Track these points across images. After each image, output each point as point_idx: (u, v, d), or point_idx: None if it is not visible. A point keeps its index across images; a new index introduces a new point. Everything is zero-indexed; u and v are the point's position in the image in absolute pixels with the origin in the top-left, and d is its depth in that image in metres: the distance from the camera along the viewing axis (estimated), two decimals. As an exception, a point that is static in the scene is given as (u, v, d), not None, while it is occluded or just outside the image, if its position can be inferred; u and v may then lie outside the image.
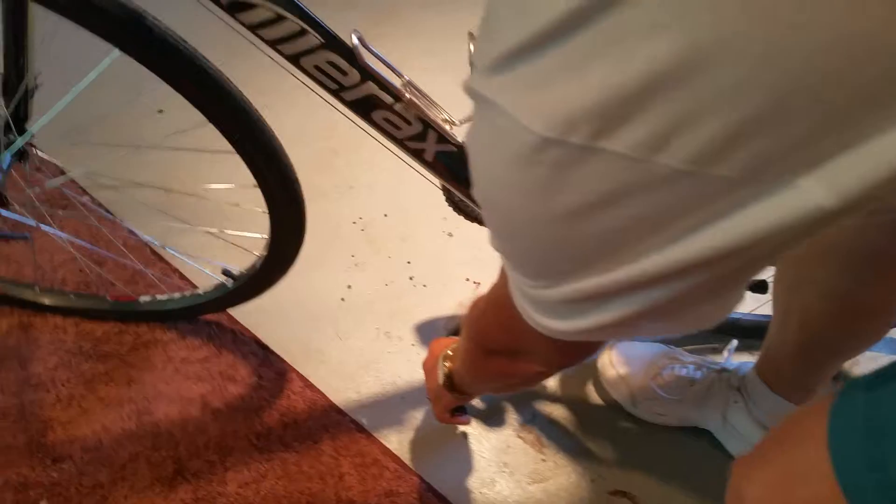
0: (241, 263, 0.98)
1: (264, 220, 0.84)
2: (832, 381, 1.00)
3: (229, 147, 0.74)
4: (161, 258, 1.20)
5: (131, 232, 1.22)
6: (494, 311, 0.49)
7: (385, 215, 1.29)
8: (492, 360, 0.54)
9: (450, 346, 0.74)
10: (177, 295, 1.07)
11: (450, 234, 1.25)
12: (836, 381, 1.00)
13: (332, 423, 0.97)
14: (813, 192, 0.22)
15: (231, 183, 1.22)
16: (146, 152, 1.39)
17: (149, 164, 1.36)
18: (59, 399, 0.98)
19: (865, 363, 1.02)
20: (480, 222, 0.94)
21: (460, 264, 1.20)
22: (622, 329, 0.31)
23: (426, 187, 0.90)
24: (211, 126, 0.72)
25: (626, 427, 0.97)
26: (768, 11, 0.19)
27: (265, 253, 0.89)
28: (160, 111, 1.50)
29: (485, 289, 0.50)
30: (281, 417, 0.97)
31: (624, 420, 0.98)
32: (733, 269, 0.26)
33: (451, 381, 0.70)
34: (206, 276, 1.08)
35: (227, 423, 0.96)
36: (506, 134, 0.26)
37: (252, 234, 0.94)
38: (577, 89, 0.23)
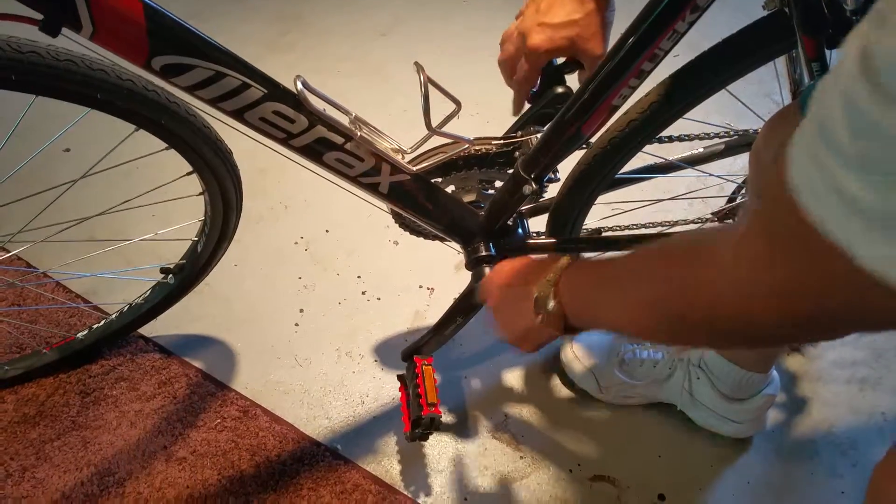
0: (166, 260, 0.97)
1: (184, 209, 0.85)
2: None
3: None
4: (83, 298, 1.14)
5: (52, 278, 1.15)
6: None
7: (327, 231, 1.27)
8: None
9: (544, 273, 0.55)
10: (114, 316, 1.03)
11: (395, 243, 1.24)
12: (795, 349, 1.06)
13: (305, 454, 0.95)
14: None
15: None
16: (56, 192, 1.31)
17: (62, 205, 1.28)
18: (10, 474, 0.92)
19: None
20: (429, 237, 0.93)
21: (411, 271, 1.19)
22: None
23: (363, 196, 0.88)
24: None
25: (596, 413, 0.99)
26: None
27: (207, 229, 0.87)
28: (67, 150, 1.41)
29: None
30: (252, 457, 0.94)
31: (593, 406, 1.00)
32: None
33: (564, 320, 0.53)
34: (143, 284, 1.04)
35: (195, 472, 0.93)
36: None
37: (180, 225, 0.93)
38: None
